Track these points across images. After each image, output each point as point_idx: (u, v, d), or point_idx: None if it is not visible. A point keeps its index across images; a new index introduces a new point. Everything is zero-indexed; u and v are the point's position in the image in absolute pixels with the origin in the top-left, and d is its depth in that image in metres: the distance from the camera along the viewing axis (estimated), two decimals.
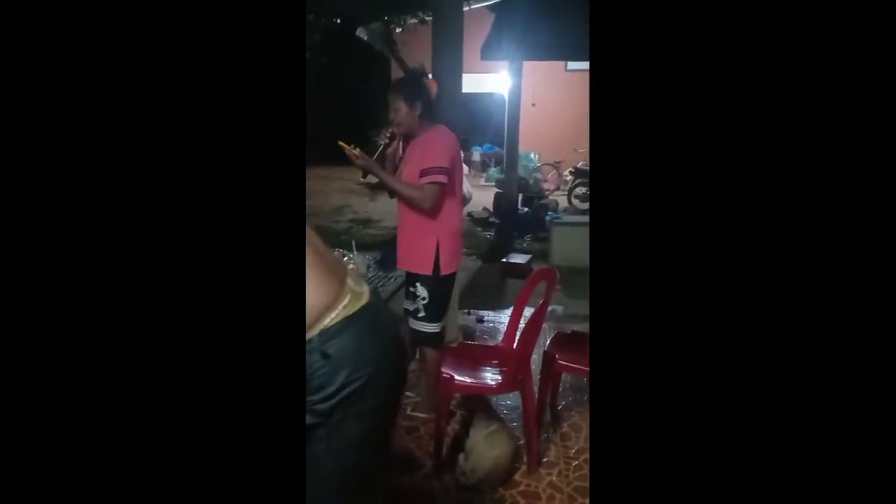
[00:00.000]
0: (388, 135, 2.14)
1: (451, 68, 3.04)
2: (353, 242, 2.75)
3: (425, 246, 2.07)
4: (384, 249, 3.00)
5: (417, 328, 2.15)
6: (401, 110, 2.03)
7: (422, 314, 2.13)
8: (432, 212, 2.02)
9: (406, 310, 2.24)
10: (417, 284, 2.12)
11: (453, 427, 2.17)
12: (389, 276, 2.62)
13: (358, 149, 2.04)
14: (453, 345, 2.66)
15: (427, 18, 6.64)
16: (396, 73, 10.03)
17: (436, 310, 2.13)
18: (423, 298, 2.11)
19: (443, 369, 1.94)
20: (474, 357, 2.15)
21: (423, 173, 1.98)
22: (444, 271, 2.10)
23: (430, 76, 2.24)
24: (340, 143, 2.05)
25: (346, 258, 2.62)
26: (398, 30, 8.21)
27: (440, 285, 2.12)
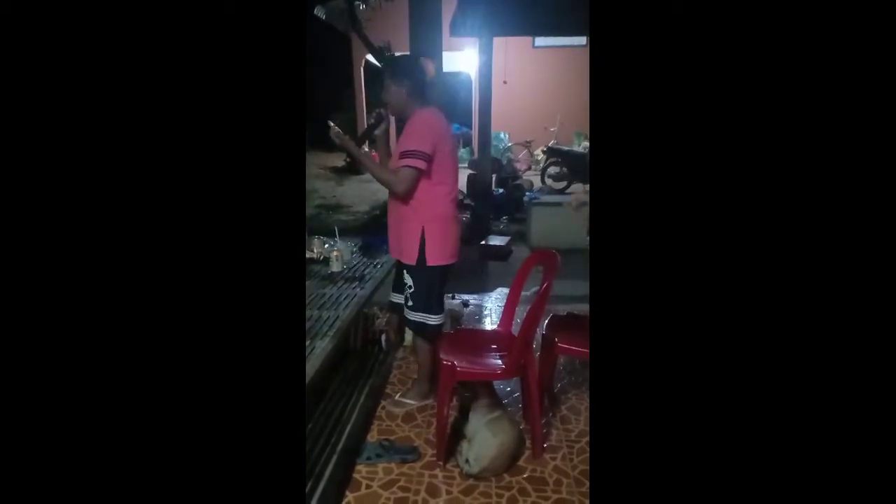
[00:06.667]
0: (375, 114, 2.07)
1: (431, 47, 2.94)
2: (336, 229, 2.66)
3: (410, 234, 2.00)
4: (365, 235, 2.93)
5: (409, 317, 2.10)
6: (388, 89, 1.97)
7: (410, 303, 2.08)
8: (406, 196, 1.96)
9: (391, 302, 2.23)
10: (404, 272, 2.07)
11: (451, 414, 2.13)
12: (375, 262, 2.55)
13: (338, 128, 1.98)
14: (447, 330, 2.59)
15: None
16: (359, 52, 9.78)
17: (419, 300, 2.06)
18: (410, 287, 2.06)
19: (442, 356, 1.89)
20: (472, 342, 2.11)
21: (400, 156, 1.92)
22: (430, 262, 2.00)
23: (417, 58, 2.16)
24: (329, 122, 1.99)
25: (326, 245, 2.53)
26: (362, 7, 7.97)
27: (425, 276, 2.04)
